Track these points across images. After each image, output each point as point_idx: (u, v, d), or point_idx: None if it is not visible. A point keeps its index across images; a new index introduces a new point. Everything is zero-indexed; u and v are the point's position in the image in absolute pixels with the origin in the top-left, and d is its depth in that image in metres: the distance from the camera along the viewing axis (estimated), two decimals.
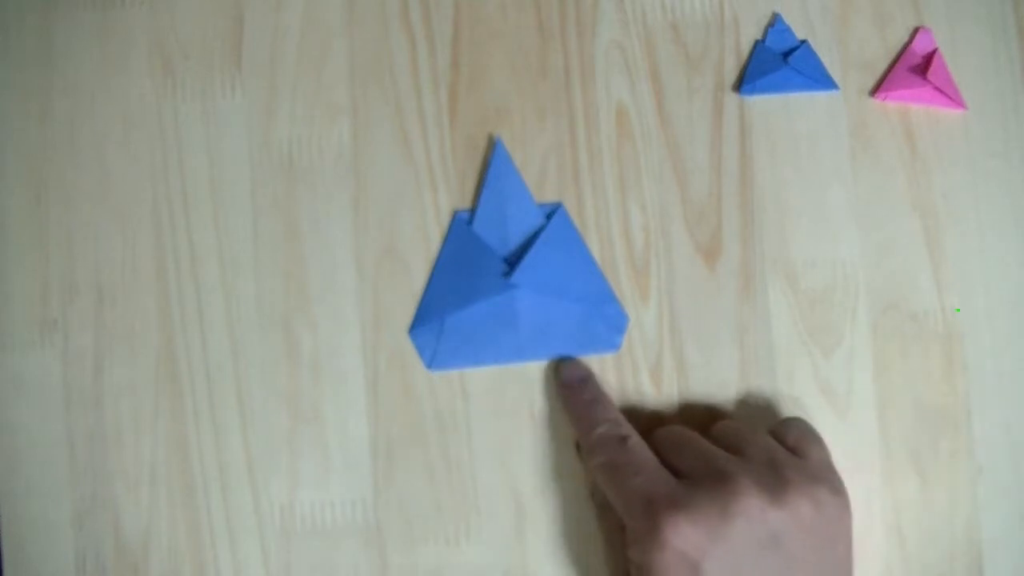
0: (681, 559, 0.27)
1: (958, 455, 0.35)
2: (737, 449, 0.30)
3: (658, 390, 0.35)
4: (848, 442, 0.35)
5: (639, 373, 0.35)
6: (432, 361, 0.35)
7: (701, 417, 0.35)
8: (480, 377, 0.35)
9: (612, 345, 0.35)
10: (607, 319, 0.35)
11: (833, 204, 0.36)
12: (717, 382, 0.35)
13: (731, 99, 0.36)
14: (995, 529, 0.35)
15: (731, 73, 0.36)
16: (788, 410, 0.35)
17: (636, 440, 0.30)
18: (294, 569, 0.34)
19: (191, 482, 0.34)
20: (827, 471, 0.30)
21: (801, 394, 0.35)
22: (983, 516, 0.35)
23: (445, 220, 0.36)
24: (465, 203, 0.36)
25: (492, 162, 0.35)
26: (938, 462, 0.35)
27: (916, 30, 0.37)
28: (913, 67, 0.36)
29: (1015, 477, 0.35)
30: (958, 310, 0.36)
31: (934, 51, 0.36)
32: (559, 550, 0.35)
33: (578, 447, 0.34)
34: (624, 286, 0.35)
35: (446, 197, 0.36)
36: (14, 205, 0.35)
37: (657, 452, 0.30)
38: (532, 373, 0.35)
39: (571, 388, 0.34)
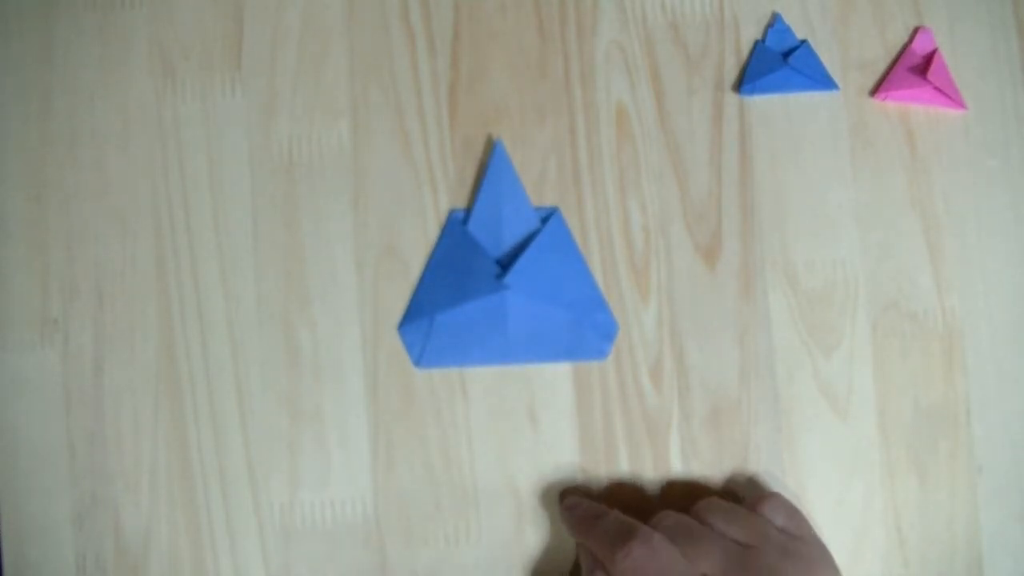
0: None
1: (958, 455, 0.35)
2: (739, 537, 0.31)
3: (658, 390, 0.35)
4: (848, 442, 0.35)
5: (639, 373, 0.35)
6: (420, 358, 0.35)
7: (702, 417, 0.35)
8: (480, 377, 0.35)
9: (600, 353, 0.35)
10: (597, 327, 0.35)
11: (833, 204, 0.36)
12: (717, 382, 0.35)
13: (731, 99, 0.36)
14: (995, 529, 0.35)
15: (731, 73, 0.36)
16: (788, 409, 0.35)
17: (658, 539, 0.30)
18: (294, 569, 0.34)
19: (191, 482, 0.34)
20: (823, 549, 0.31)
21: (801, 394, 0.35)
22: (983, 516, 0.35)
23: (445, 220, 0.36)
24: (465, 203, 0.36)
25: (491, 163, 0.35)
26: (938, 462, 0.35)
27: (916, 30, 0.37)
28: (913, 67, 0.36)
29: (1015, 477, 0.35)
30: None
31: (934, 51, 0.36)
32: (559, 550, 0.35)
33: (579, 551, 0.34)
34: (624, 286, 0.35)
35: (445, 197, 0.36)
36: (14, 205, 0.35)
37: (669, 539, 0.30)
38: (532, 374, 0.35)
39: (591, 519, 0.33)
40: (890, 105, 0.36)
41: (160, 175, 0.36)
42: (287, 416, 0.35)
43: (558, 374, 0.35)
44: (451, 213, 0.35)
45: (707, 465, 0.35)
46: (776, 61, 0.36)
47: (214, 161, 0.36)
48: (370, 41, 0.36)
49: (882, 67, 0.37)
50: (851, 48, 0.37)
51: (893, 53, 0.37)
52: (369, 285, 0.35)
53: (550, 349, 0.35)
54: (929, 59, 0.36)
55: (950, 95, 0.36)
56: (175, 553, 0.34)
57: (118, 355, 0.35)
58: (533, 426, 0.35)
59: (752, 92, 0.36)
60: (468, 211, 0.35)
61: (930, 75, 0.36)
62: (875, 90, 0.36)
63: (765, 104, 0.36)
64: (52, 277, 0.35)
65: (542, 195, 0.36)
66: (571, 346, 0.35)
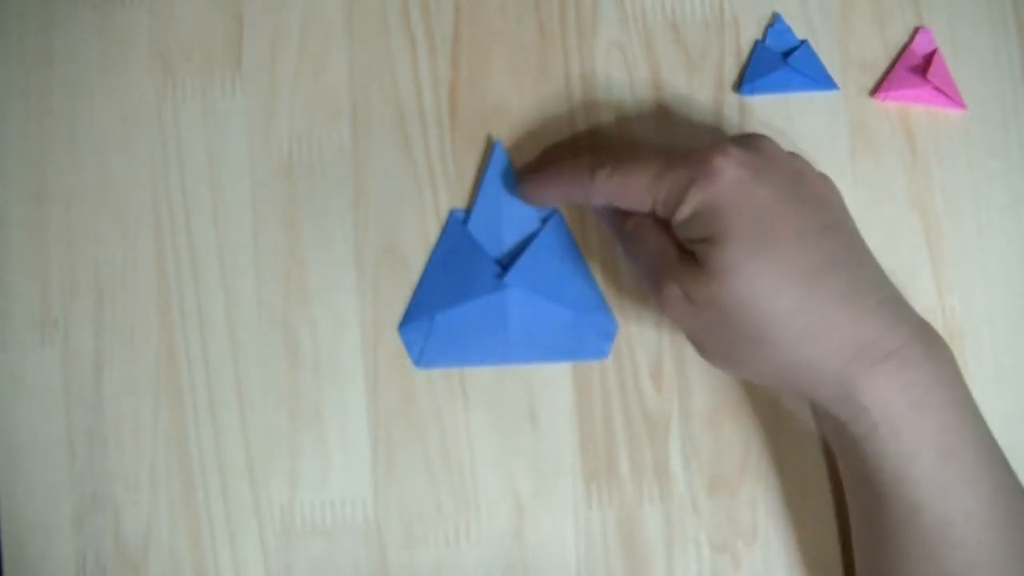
0: (738, 178, 0.28)
1: None
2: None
3: (658, 390, 0.35)
4: None
5: (639, 373, 0.35)
6: (420, 358, 0.35)
7: (702, 417, 0.35)
8: (480, 377, 0.35)
9: (601, 352, 0.35)
10: (597, 326, 0.35)
11: None
12: (717, 382, 0.35)
13: (731, 99, 0.36)
14: None
15: (731, 73, 0.36)
16: (789, 409, 0.35)
17: (732, 146, 0.30)
18: (294, 569, 0.34)
19: (191, 482, 0.34)
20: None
21: None
22: None
23: (445, 220, 0.36)
24: (465, 203, 0.36)
25: (490, 163, 0.35)
26: None
27: (916, 30, 0.37)
28: (913, 67, 0.36)
29: None
30: None
31: (934, 51, 0.36)
32: (559, 550, 0.35)
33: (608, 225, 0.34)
34: (624, 285, 0.35)
35: (446, 197, 0.36)
36: (14, 205, 0.35)
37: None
38: (532, 374, 0.35)
39: (549, 171, 0.33)
40: (890, 105, 0.36)
41: (160, 175, 0.36)
42: (287, 416, 0.35)
43: (558, 374, 0.35)
44: (451, 213, 0.36)
45: (707, 465, 0.35)
46: (776, 61, 0.36)
47: (214, 161, 0.36)
48: (370, 41, 0.36)
49: (882, 67, 0.37)
50: (851, 48, 0.37)
51: (893, 53, 0.37)
52: (369, 285, 0.35)
53: (550, 349, 0.35)
54: (929, 59, 0.36)
55: (950, 95, 0.36)
56: (175, 553, 0.34)
57: (118, 355, 0.35)
58: (533, 426, 0.35)
59: (752, 92, 0.36)
60: (468, 211, 0.35)
61: (930, 75, 0.36)
62: (875, 90, 0.36)
63: (765, 104, 0.36)
64: (52, 277, 0.35)
65: None
66: (571, 346, 0.35)
